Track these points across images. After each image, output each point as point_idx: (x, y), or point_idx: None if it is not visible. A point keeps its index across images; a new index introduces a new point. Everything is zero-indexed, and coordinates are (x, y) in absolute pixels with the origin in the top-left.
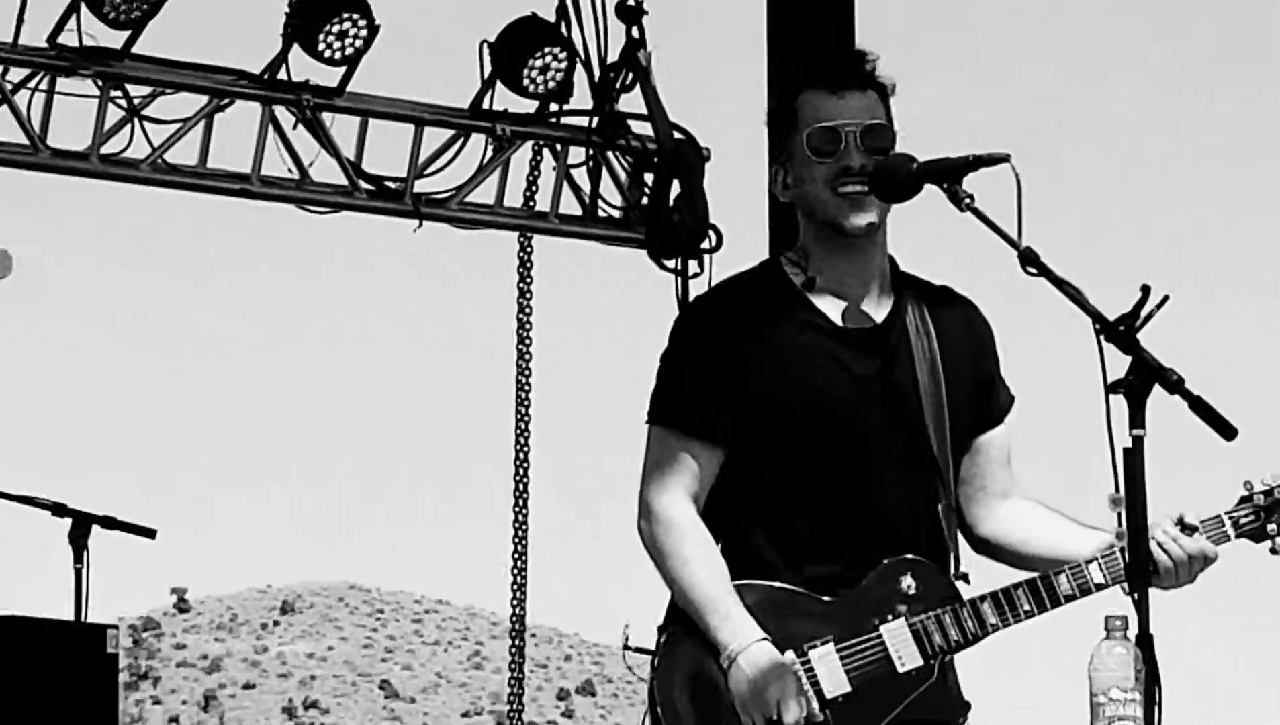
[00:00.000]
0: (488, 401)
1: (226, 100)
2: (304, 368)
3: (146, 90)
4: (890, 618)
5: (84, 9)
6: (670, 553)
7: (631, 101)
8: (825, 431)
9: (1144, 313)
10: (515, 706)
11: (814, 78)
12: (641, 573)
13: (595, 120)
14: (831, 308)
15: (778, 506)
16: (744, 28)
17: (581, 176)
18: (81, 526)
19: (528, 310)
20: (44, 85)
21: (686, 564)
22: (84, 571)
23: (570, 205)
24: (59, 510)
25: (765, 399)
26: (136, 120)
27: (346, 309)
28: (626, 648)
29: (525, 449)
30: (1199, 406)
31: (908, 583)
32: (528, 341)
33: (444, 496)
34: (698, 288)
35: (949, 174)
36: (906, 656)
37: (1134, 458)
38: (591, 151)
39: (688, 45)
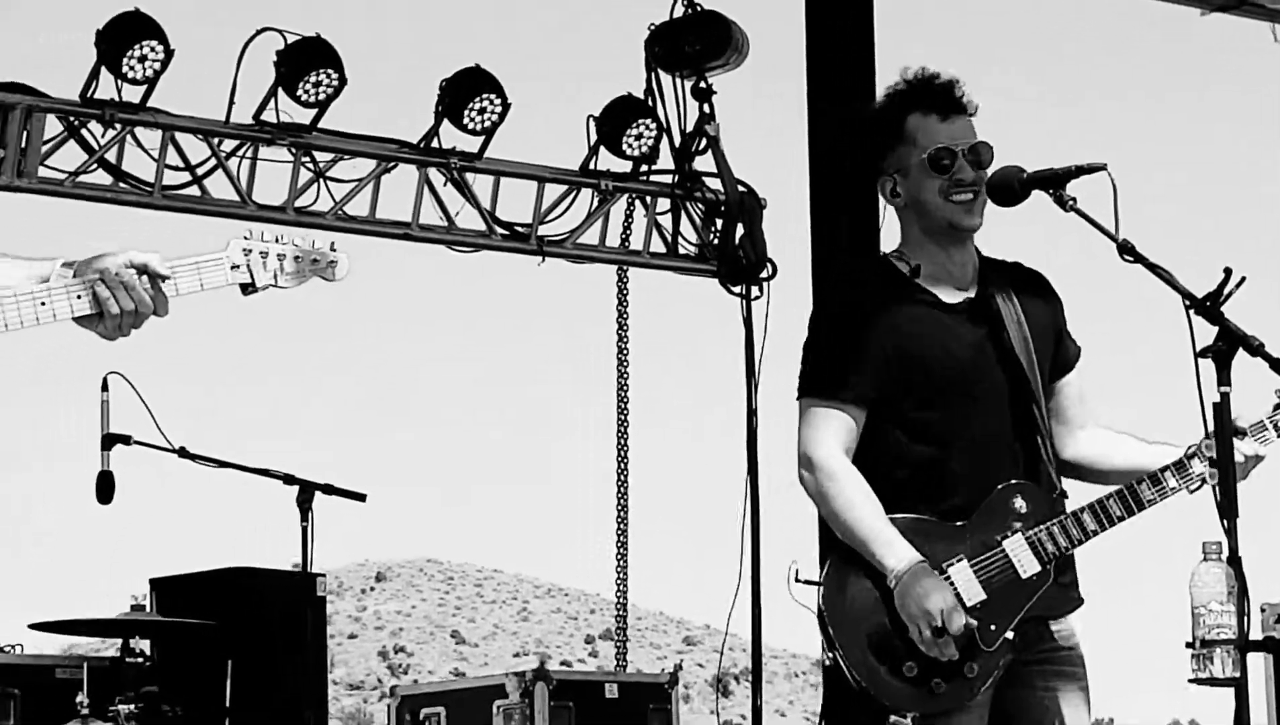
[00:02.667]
0: (590, 403)
1: (391, 164)
2: (434, 379)
3: (329, 156)
4: (1009, 533)
5: (280, 93)
6: (834, 495)
7: (704, 162)
8: (949, 386)
9: (1226, 291)
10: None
11: (921, 105)
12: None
13: (676, 177)
14: (937, 289)
15: (915, 450)
16: (789, 105)
17: (666, 221)
18: (307, 493)
19: (625, 327)
20: (249, 153)
21: (850, 504)
22: (309, 530)
23: (657, 244)
24: (289, 479)
25: (900, 362)
26: (322, 180)
27: (479, 329)
28: (798, 581)
29: (625, 438)
30: (1277, 365)
31: (1020, 503)
32: (625, 350)
33: (513, 483)
34: (759, 308)
35: (1054, 181)
36: (1027, 564)
37: (1222, 410)
38: (674, 201)
39: (746, 120)
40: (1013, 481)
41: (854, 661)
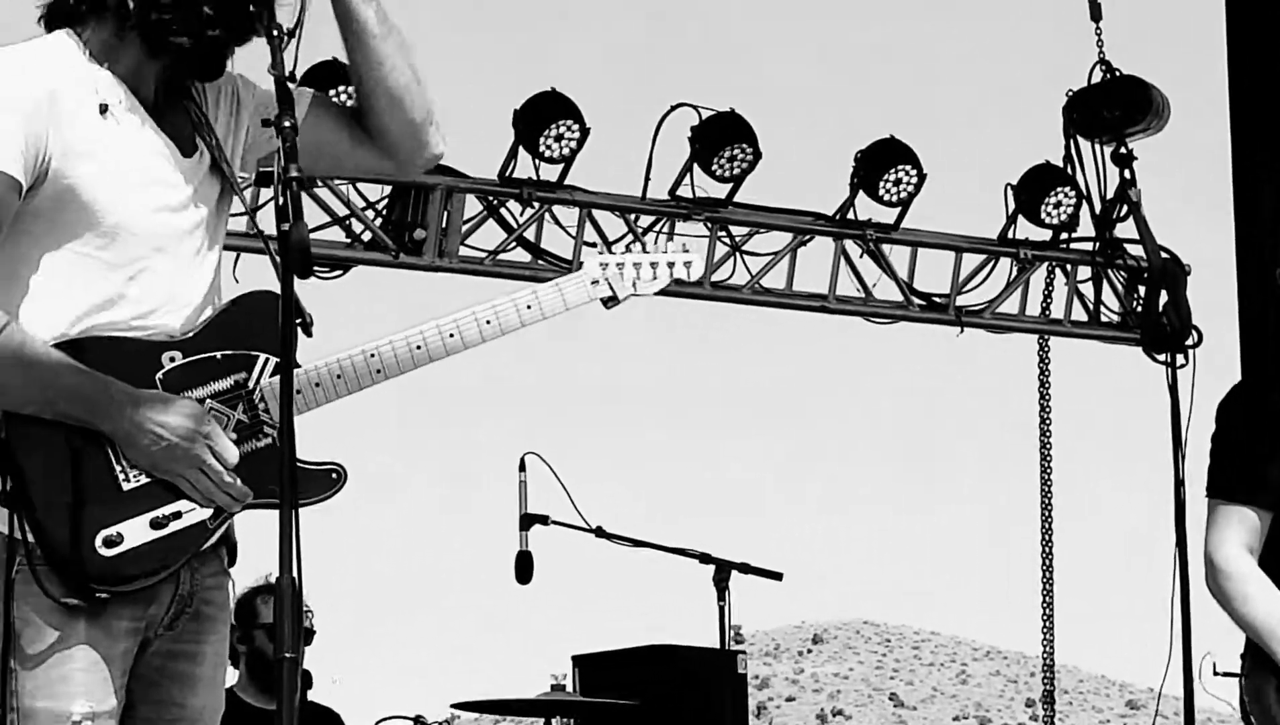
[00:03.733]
0: (1010, 474)
1: (807, 236)
2: (852, 450)
3: (745, 230)
4: None
5: (696, 167)
6: (1232, 595)
7: (1125, 228)
8: None
9: None
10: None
11: None
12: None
13: (1097, 244)
14: None
15: None
16: (1213, 168)
17: (1087, 289)
18: (723, 571)
19: (1047, 396)
20: (665, 228)
21: (1247, 602)
22: (726, 608)
23: (1079, 312)
24: (705, 558)
25: None
26: (738, 253)
27: (897, 399)
28: (1215, 674)
29: (1050, 508)
30: None
31: None
32: (1048, 419)
33: (947, 549)
34: (1184, 376)
35: None
36: None
37: None
38: (1095, 269)
39: (1167, 184)
40: None
41: None
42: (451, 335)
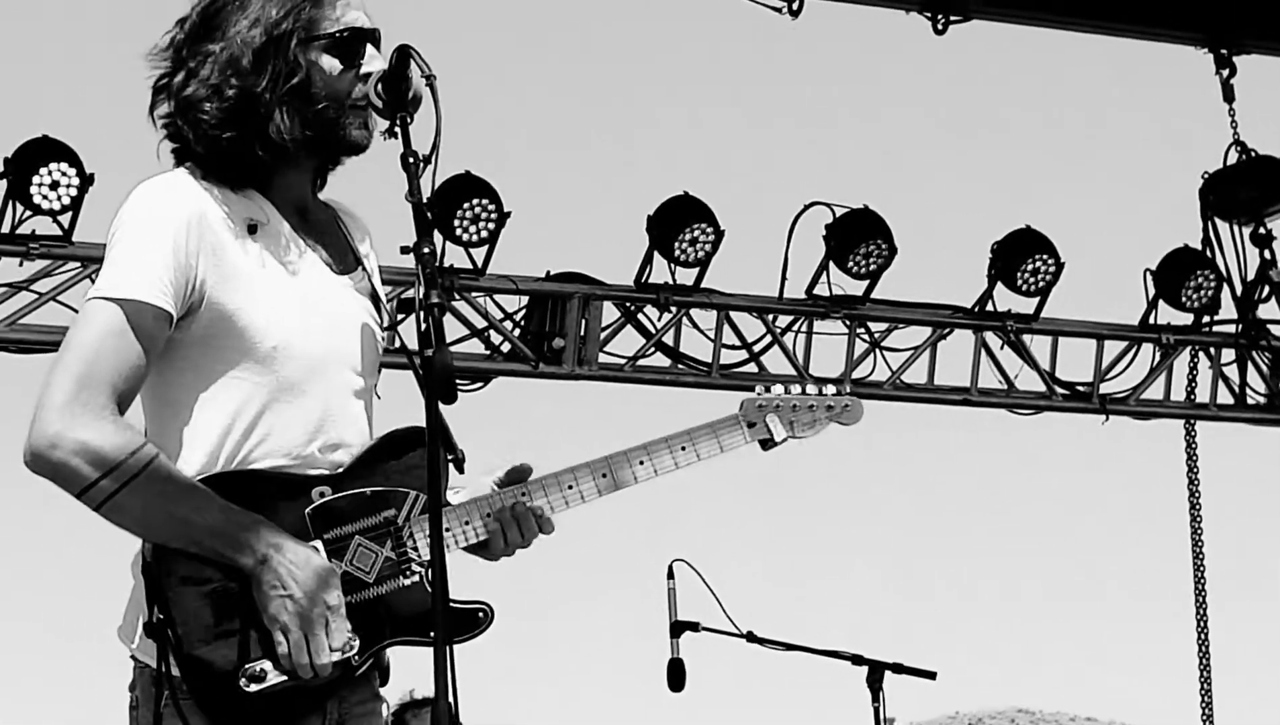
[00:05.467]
0: (1162, 559)
1: (946, 330)
2: (1005, 539)
3: (883, 326)
4: None
5: (831, 266)
6: None
7: (1268, 309)
8: None
9: None
10: None
11: None
12: None
13: (1240, 326)
14: None
15: None
16: None
17: (1232, 372)
18: (876, 673)
19: (1196, 480)
20: (804, 327)
21: None
22: (880, 709)
23: (1224, 396)
24: (857, 660)
25: None
26: (877, 350)
27: (1041, 492)
28: None
29: (1204, 591)
30: None
31: None
32: (1198, 505)
33: (1100, 635)
34: None
35: None
36: None
37: None
38: (1239, 351)
39: None
40: None
41: None
42: (604, 475)
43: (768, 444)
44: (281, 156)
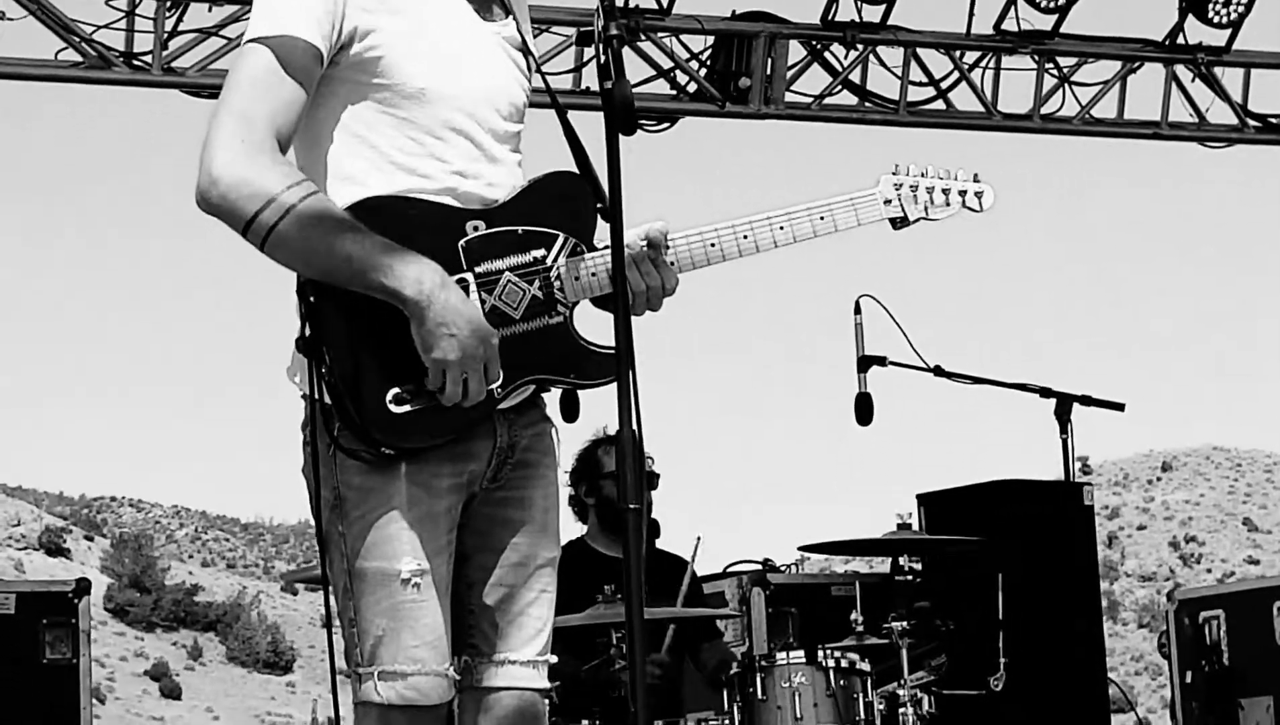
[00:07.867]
0: None
1: (1137, 64)
2: (1193, 275)
3: (1073, 60)
4: None
5: (1020, 0)
6: None
7: None
8: None
9: None
10: None
11: None
12: None
13: None
14: None
15: None
16: None
17: None
18: (1064, 404)
19: None
20: (992, 63)
21: None
22: (1069, 441)
23: None
24: (1045, 392)
25: None
26: (1066, 85)
27: (1233, 226)
28: None
29: None
30: None
31: None
32: None
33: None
34: None
35: None
36: None
37: None
38: None
39: None
40: None
41: None
42: (746, 236)
43: (899, 223)
44: None
